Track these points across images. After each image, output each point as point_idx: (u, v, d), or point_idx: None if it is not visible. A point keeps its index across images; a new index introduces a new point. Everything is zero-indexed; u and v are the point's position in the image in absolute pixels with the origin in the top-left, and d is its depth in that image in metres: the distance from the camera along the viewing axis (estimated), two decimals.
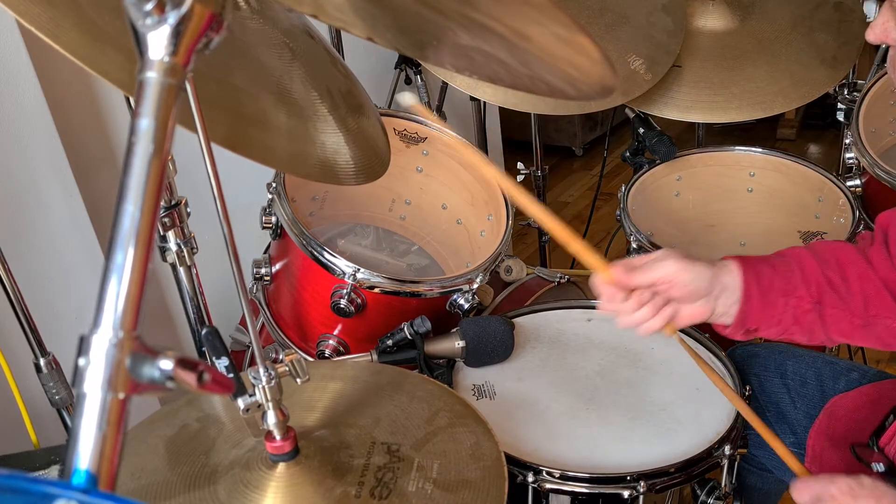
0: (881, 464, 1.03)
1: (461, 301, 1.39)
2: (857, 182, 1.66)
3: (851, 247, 1.09)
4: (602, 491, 1.07)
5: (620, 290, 1.00)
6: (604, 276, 1.00)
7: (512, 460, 1.07)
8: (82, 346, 0.50)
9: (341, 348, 1.43)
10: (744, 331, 1.06)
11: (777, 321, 1.04)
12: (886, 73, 1.72)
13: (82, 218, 1.62)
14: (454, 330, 1.27)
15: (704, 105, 1.78)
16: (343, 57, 1.92)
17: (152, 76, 0.55)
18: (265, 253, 1.54)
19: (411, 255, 1.70)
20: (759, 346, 1.39)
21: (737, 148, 1.81)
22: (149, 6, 0.54)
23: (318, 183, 1.56)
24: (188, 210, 1.19)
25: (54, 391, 1.32)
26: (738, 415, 1.16)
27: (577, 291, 1.71)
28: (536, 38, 0.67)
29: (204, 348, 1.32)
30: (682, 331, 1.35)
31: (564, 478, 1.06)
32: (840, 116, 1.87)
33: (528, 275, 1.71)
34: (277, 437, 0.83)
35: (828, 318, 1.05)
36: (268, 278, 1.51)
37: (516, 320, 1.37)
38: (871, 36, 1.03)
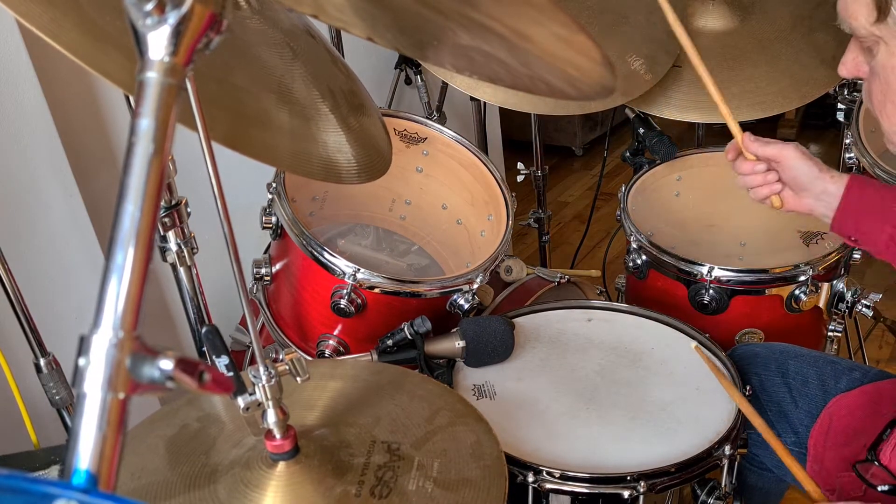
0: (886, 484, 1.03)
1: (461, 301, 1.39)
2: None
3: None
4: (602, 491, 1.07)
5: (736, 152, 1.20)
6: (736, 138, 1.20)
7: (512, 460, 1.07)
8: (82, 346, 0.50)
9: (341, 348, 1.43)
10: (845, 238, 1.18)
11: (872, 242, 1.15)
12: None
13: (82, 218, 1.62)
14: (454, 330, 1.27)
15: (704, 105, 1.78)
16: (343, 57, 1.93)
17: (152, 76, 0.55)
18: (265, 253, 1.54)
19: (411, 255, 1.70)
20: (760, 346, 1.40)
21: None
22: (149, 6, 0.54)
23: (318, 183, 1.56)
24: (188, 210, 1.19)
25: (54, 391, 1.32)
26: (739, 415, 1.16)
27: (577, 291, 1.71)
28: (536, 38, 0.67)
29: (204, 348, 1.32)
30: (682, 330, 1.36)
31: (564, 478, 1.06)
32: (840, 116, 1.87)
33: (528, 275, 1.71)
34: (277, 436, 0.83)
35: None
36: (268, 278, 1.51)
37: (516, 320, 1.37)
38: (844, 71, 1.07)
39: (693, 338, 1.35)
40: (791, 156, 1.17)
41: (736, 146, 1.21)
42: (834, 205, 1.15)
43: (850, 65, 1.07)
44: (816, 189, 1.17)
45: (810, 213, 1.20)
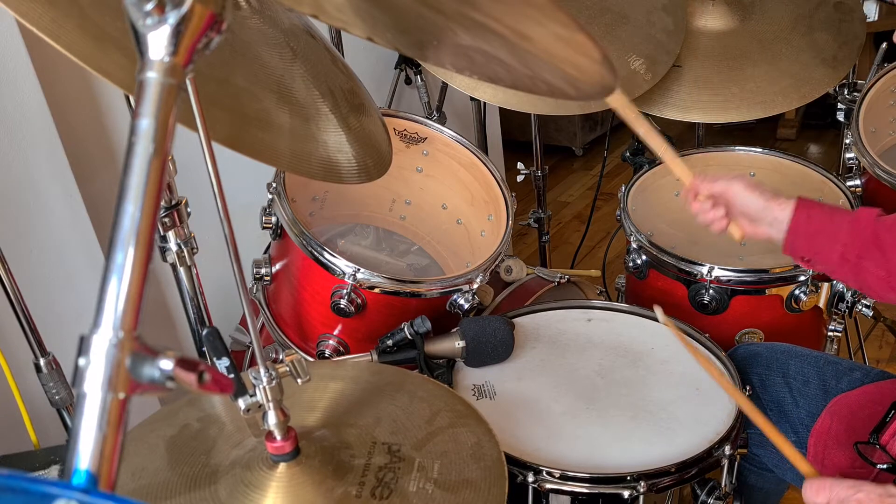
0: (885, 463, 1.03)
1: (461, 301, 1.39)
2: (857, 182, 1.67)
3: None
4: (602, 491, 1.07)
5: (691, 193, 1.25)
6: (686, 180, 1.25)
7: (512, 460, 1.07)
8: (82, 346, 0.50)
9: (341, 348, 1.43)
10: (798, 259, 1.21)
11: (824, 261, 1.19)
12: (886, 73, 1.73)
13: (82, 218, 1.62)
14: (454, 330, 1.27)
15: (704, 105, 1.78)
16: (343, 57, 1.93)
17: (152, 76, 0.55)
18: (265, 253, 1.54)
19: (411, 255, 1.70)
20: (761, 345, 1.40)
21: (737, 148, 1.81)
22: (149, 6, 0.54)
23: (318, 183, 1.56)
24: (188, 210, 1.19)
25: (54, 391, 1.32)
26: (739, 415, 1.16)
27: (577, 291, 1.71)
28: (537, 38, 0.67)
29: (204, 348, 1.32)
30: (682, 331, 1.36)
31: (564, 478, 1.06)
32: (840, 116, 1.87)
33: (528, 275, 1.71)
34: (278, 438, 0.83)
35: (866, 274, 1.14)
36: (268, 278, 1.51)
37: (516, 320, 1.37)
38: None
39: (693, 338, 1.35)
40: (736, 190, 1.21)
41: (690, 188, 1.26)
42: (785, 227, 1.19)
43: None
44: (767, 217, 1.20)
45: (769, 240, 1.23)
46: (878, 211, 1.18)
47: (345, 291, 1.33)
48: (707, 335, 1.33)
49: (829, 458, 1.18)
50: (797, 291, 1.47)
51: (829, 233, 1.17)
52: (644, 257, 1.57)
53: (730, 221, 1.24)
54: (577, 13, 1.77)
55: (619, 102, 1.21)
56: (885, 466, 1.03)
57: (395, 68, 2.35)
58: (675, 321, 1.26)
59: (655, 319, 1.39)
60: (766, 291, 1.49)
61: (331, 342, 1.43)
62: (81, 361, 0.50)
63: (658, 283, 1.57)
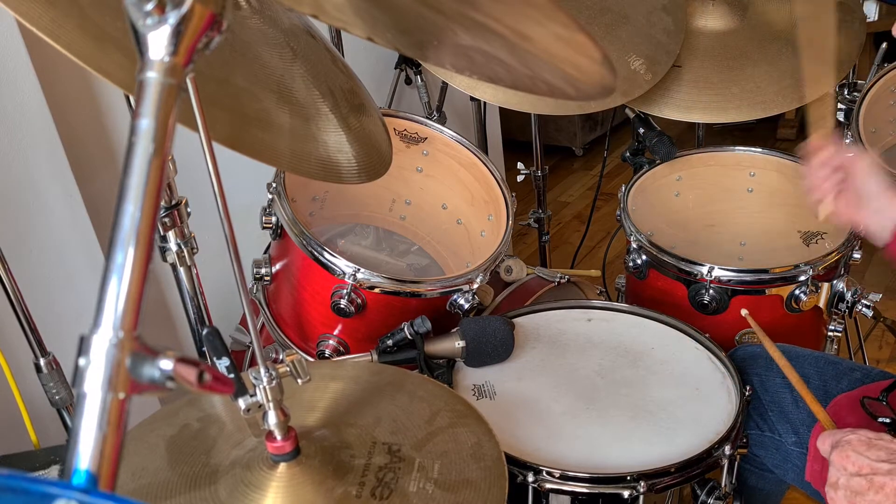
0: (887, 418, 1.04)
1: (461, 301, 1.39)
2: None
3: None
4: (602, 491, 1.07)
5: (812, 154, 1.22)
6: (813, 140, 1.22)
7: (512, 460, 1.07)
8: (82, 346, 0.50)
9: (341, 348, 1.43)
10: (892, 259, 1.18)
11: None
12: (886, 73, 1.73)
13: (82, 218, 1.62)
14: (454, 330, 1.27)
15: (704, 105, 1.78)
16: (343, 57, 1.93)
17: (152, 76, 0.55)
18: (265, 253, 1.54)
19: (411, 255, 1.70)
20: (761, 346, 1.39)
21: (737, 148, 1.81)
22: (149, 6, 0.54)
23: (318, 183, 1.56)
24: (188, 210, 1.19)
25: (54, 391, 1.32)
26: (738, 415, 1.16)
27: (577, 291, 1.71)
28: (537, 38, 0.67)
29: (204, 348, 1.32)
30: (682, 329, 1.36)
31: (564, 478, 1.06)
32: (840, 116, 1.87)
33: (528, 275, 1.71)
34: (278, 438, 0.83)
35: None
36: (268, 278, 1.51)
37: (516, 320, 1.37)
38: None
39: (693, 338, 1.35)
40: (860, 167, 1.18)
41: (818, 148, 1.22)
42: (890, 223, 1.15)
43: None
44: (875, 204, 1.17)
45: (864, 227, 1.21)
46: None
47: (345, 291, 1.33)
48: (707, 335, 1.33)
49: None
50: (797, 291, 1.47)
51: None
52: (644, 257, 1.57)
53: (832, 195, 1.20)
54: (577, 13, 1.77)
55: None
56: (887, 421, 1.04)
57: (395, 68, 2.35)
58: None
59: (656, 319, 1.39)
60: (766, 291, 1.49)
61: (331, 342, 1.43)
62: (81, 361, 0.50)
63: (658, 283, 1.57)
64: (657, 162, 1.77)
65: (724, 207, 1.83)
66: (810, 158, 1.22)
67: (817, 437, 1.18)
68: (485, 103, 2.36)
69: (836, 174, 1.20)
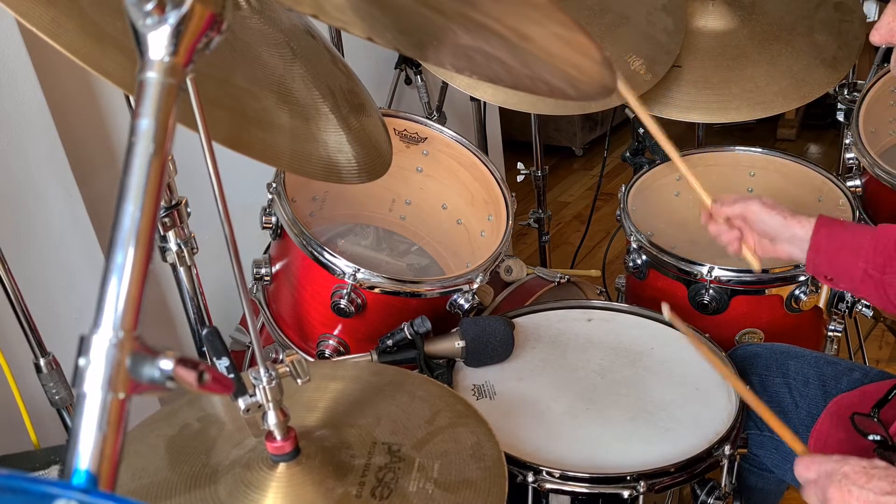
0: (877, 435, 1.03)
1: (461, 301, 1.39)
2: (857, 182, 1.66)
3: None
4: (602, 491, 1.07)
5: (713, 217, 1.27)
6: (705, 205, 1.27)
7: (512, 460, 1.07)
8: (82, 346, 0.50)
9: (341, 348, 1.43)
10: (821, 278, 1.22)
11: (848, 279, 1.18)
12: (886, 73, 1.73)
13: (82, 218, 1.62)
14: (454, 330, 1.27)
15: (704, 105, 1.78)
16: (343, 57, 1.93)
17: (152, 76, 0.55)
18: (265, 253, 1.54)
19: (411, 255, 1.70)
20: (761, 346, 1.40)
21: (737, 148, 1.81)
22: (149, 6, 0.54)
23: (318, 183, 1.56)
24: (188, 210, 1.19)
25: (54, 391, 1.32)
26: (739, 415, 1.16)
27: (577, 291, 1.71)
28: (537, 39, 0.67)
29: (204, 348, 1.32)
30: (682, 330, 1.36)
31: (564, 478, 1.06)
32: (840, 116, 1.87)
33: (528, 275, 1.71)
34: (278, 438, 0.83)
35: (889, 288, 1.13)
36: (268, 278, 1.51)
37: (516, 320, 1.37)
38: (876, 37, 1.05)
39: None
40: (755, 210, 1.21)
41: (706, 211, 1.27)
42: (806, 244, 1.18)
43: (884, 30, 1.05)
44: (786, 234, 1.20)
45: (790, 260, 1.24)
46: None
47: (345, 291, 1.33)
48: (707, 335, 1.33)
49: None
50: (797, 291, 1.47)
51: (850, 248, 1.16)
52: (644, 257, 1.57)
53: (741, 243, 1.24)
54: (577, 13, 1.77)
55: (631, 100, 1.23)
56: (877, 438, 1.03)
57: (395, 68, 2.35)
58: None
59: (656, 319, 1.39)
60: (766, 291, 1.49)
61: (331, 342, 1.43)
62: (81, 361, 0.50)
63: (658, 283, 1.57)
64: (657, 162, 1.77)
65: None
66: (706, 220, 1.28)
67: (816, 438, 1.18)
68: (485, 103, 2.36)
69: (732, 231, 1.24)
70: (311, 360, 1.42)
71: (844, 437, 1.17)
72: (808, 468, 0.94)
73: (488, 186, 1.60)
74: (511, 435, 1.13)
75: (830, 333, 1.59)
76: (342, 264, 1.33)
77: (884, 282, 1.14)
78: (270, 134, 1.01)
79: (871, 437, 1.04)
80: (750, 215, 1.22)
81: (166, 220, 1.16)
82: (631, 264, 1.60)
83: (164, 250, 1.20)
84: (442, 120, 2.33)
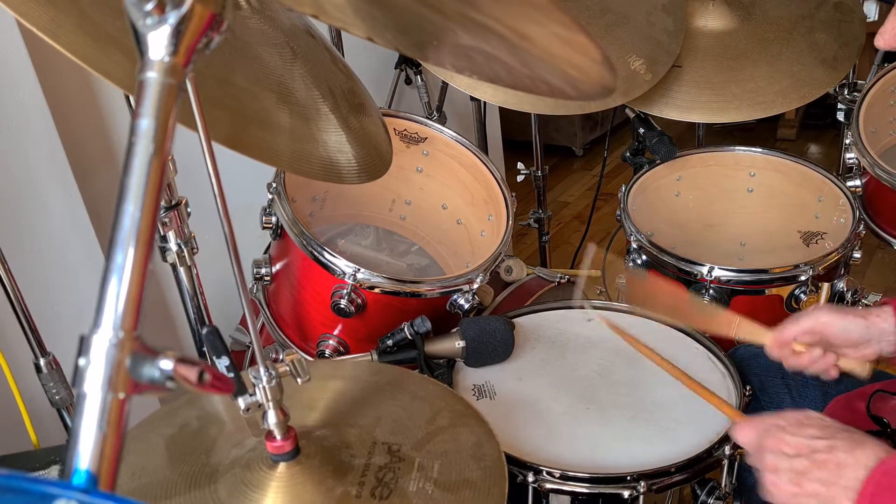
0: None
1: (461, 301, 1.39)
2: (858, 182, 1.67)
3: None
4: (602, 491, 1.07)
5: (783, 347, 1.14)
6: (767, 341, 1.16)
7: (512, 460, 1.07)
8: (82, 346, 0.50)
9: (341, 348, 1.43)
10: None
11: None
12: (886, 73, 1.73)
13: (82, 218, 1.62)
14: (454, 330, 1.27)
15: (704, 105, 1.78)
16: (343, 57, 1.93)
17: (152, 76, 0.55)
18: (265, 253, 1.54)
19: (411, 255, 1.70)
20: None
21: (737, 148, 1.81)
22: (149, 6, 0.54)
23: (318, 183, 1.56)
24: (188, 210, 1.19)
25: (54, 391, 1.32)
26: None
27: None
28: (537, 39, 0.67)
29: (204, 348, 1.32)
30: (682, 330, 1.36)
31: (564, 478, 1.06)
32: (840, 116, 1.87)
33: (528, 275, 1.71)
34: (278, 437, 0.83)
35: None
36: (268, 278, 1.51)
37: (516, 320, 1.37)
38: (881, 42, 1.04)
39: (693, 338, 1.34)
40: (827, 321, 1.11)
41: (776, 342, 1.16)
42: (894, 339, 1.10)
43: (888, 35, 1.03)
44: (874, 335, 1.10)
45: (881, 358, 1.13)
46: None
47: (345, 291, 1.33)
48: (707, 335, 1.33)
49: None
50: (797, 291, 1.47)
51: None
52: (644, 257, 1.57)
53: (838, 361, 1.13)
54: (577, 13, 1.77)
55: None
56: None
57: (395, 68, 2.35)
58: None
59: (656, 319, 1.39)
60: (766, 291, 1.49)
61: (331, 342, 1.43)
62: (81, 361, 0.50)
63: None
64: (657, 162, 1.77)
65: (724, 207, 1.83)
66: (782, 356, 1.16)
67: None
68: (485, 103, 2.36)
69: (826, 356, 1.12)
70: (311, 359, 1.42)
71: None
72: (743, 432, 0.96)
73: (488, 186, 1.60)
74: (511, 435, 1.13)
75: None
76: (342, 264, 1.33)
77: None
78: (270, 134, 1.01)
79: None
80: (826, 329, 1.11)
81: (166, 220, 1.16)
82: (631, 264, 1.60)
83: (164, 250, 1.20)
84: (442, 120, 2.33)
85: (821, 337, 1.12)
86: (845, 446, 0.86)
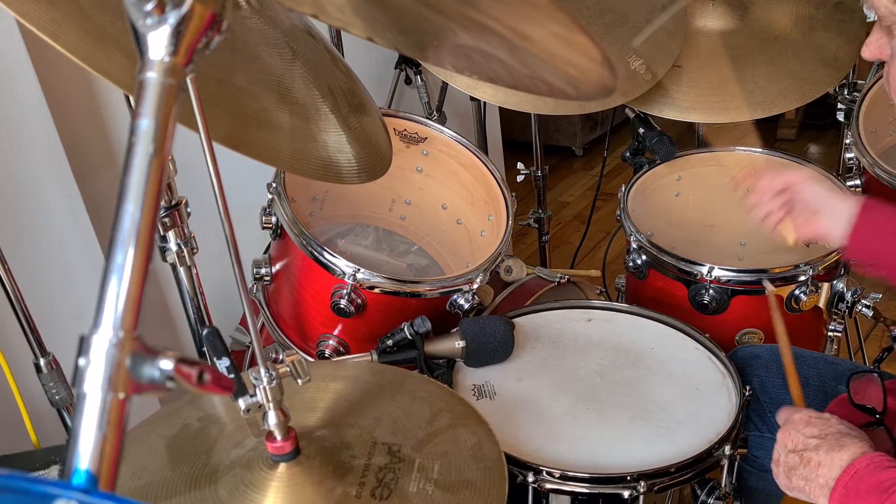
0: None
1: (461, 301, 1.39)
2: (858, 182, 1.67)
3: None
4: (602, 491, 1.07)
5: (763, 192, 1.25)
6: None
7: (512, 460, 1.07)
8: (82, 346, 0.50)
9: (341, 348, 1.43)
10: (856, 262, 1.25)
11: (887, 264, 1.16)
12: None
13: (82, 218, 1.62)
14: (454, 330, 1.27)
15: (704, 105, 1.78)
16: (343, 57, 1.93)
17: (152, 76, 0.55)
18: (265, 253, 1.54)
19: (411, 255, 1.70)
20: (760, 347, 1.39)
21: (737, 148, 1.81)
22: (149, 6, 0.54)
23: (318, 183, 1.56)
24: (188, 210, 1.19)
25: (54, 391, 1.32)
26: (738, 415, 1.16)
27: (577, 291, 1.71)
28: (536, 38, 0.67)
29: (204, 348, 1.32)
30: (682, 329, 1.36)
31: (564, 478, 1.06)
32: (840, 116, 1.87)
33: (528, 275, 1.71)
34: (278, 438, 0.83)
35: None
36: (268, 278, 1.51)
37: (516, 320, 1.37)
38: (867, 53, 1.06)
39: (693, 338, 1.35)
40: (804, 177, 1.21)
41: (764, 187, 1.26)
42: (845, 223, 1.16)
43: (873, 46, 1.05)
44: (828, 210, 1.18)
45: (825, 238, 1.22)
46: None
47: (345, 291, 1.33)
48: (707, 335, 1.33)
49: None
50: (797, 291, 1.47)
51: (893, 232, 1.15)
52: (644, 257, 1.57)
53: (784, 218, 1.23)
54: (577, 13, 1.77)
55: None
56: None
57: (395, 68, 2.35)
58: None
59: (656, 319, 1.39)
60: (766, 291, 1.49)
61: (331, 342, 1.43)
62: (81, 361, 0.50)
63: (658, 283, 1.57)
64: (657, 162, 1.77)
65: (724, 207, 1.82)
66: (751, 187, 1.27)
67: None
68: (485, 103, 2.36)
69: (781, 195, 1.23)
70: (311, 360, 1.42)
71: None
72: (780, 415, 1.03)
73: (488, 186, 1.60)
74: (511, 435, 1.13)
75: (830, 333, 1.59)
76: (342, 264, 1.33)
77: None
78: (270, 134, 1.01)
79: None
80: (800, 183, 1.21)
81: (166, 220, 1.16)
82: (631, 264, 1.60)
83: (164, 250, 1.20)
84: (442, 120, 2.33)
85: (791, 193, 1.22)
86: (828, 446, 0.91)
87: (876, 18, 1.05)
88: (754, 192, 1.26)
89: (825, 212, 1.18)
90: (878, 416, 1.07)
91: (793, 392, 1.08)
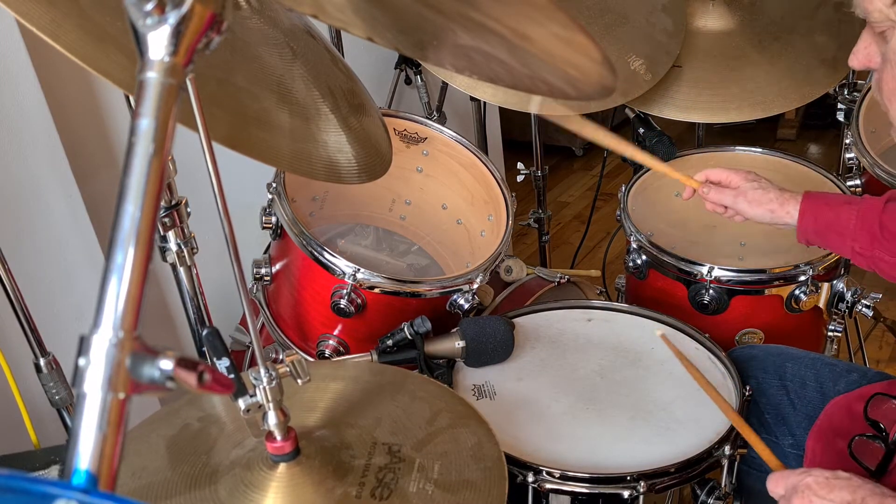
0: (873, 466, 1.03)
1: (461, 301, 1.39)
2: (857, 182, 1.67)
3: None
4: (602, 491, 1.07)
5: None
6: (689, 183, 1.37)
7: (512, 460, 1.07)
8: (82, 346, 0.50)
9: (341, 348, 1.43)
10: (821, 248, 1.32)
11: (840, 253, 1.29)
12: None
13: (82, 218, 1.62)
14: (454, 330, 1.27)
15: (704, 105, 1.78)
16: (343, 57, 1.93)
17: (152, 76, 0.55)
18: (265, 253, 1.54)
19: (411, 255, 1.70)
20: (758, 348, 1.39)
21: (737, 148, 1.81)
22: (149, 6, 0.54)
23: (318, 183, 1.56)
24: (188, 210, 1.19)
25: (54, 391, 1.32)
26: (739, 414, 1.16)
27: (577, 291, 1.71)
28: (536, 38, 0.67)
29: (204, 348, 1.32)
30: (682, 329, 1.36)
31: (564, 478, 1.06)
32: (840, 116, 1.86)
33: (528, 275, 1.71)
34: (278, 438, 0.83)
35: (881, 262, 1.20)
36: (268, 278, 1.51)
37: (516, 320, 1.37)
38: (854, 62, 1.05)
39: (693, 338, 1.35)
40: (742, 207, 1.31)
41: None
42: (795, 229, 1.27)
43: (861, 54, 1.04)
44: (779, 223, 1.30)
45: (772, 220, 1.31)
46: (884, 199, 1.18)
47: (345, 291, 1.33)
48: (707, 335, 1.33)
49: (827, 461, 1.18)
50: (797, 291, 1.47)
51: (837, 230, 1.20)
52: (644, 257, 1.57)
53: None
54: (577, 13, 1.77)
55: (579, 126, 1.27)
56: (872, 469, 1.03)
57: (395, 68, 2.35)
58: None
59: (656, 319, 1.39)
60: (766, 291, 1.49)
61: (331, 342, 1.43)
62: (81, 361, 0.50)
63: (658, 284, 1.57)
64: None
65: None
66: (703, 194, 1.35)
67: (814, 440, 1.18)
68: (485, 103, 2.36)
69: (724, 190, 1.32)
70: (311, 360, 1.42)
71: (842, 440, 1.17)
72: (777, 483, 0.95)
73: (488, 186, 1.60)
74: (511, 435, 1.13)
75: (830, 334, 1.59)
76: (342, 264, 1.33)
77: (874, 257, 1.19)
78: (270, 134, 1.01)
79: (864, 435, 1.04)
80: (740, 209, 1.31)
81: (166, 220, 1.16)
82: (631, 264, 1.60)
83: (164, 250, 1.20)
84: (442, 120, 2.33)
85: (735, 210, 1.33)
86: None
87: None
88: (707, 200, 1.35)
89: (778, 224, 1.30)
90: (885, 434, 1.06)
91: (765, 458, 1.03)
